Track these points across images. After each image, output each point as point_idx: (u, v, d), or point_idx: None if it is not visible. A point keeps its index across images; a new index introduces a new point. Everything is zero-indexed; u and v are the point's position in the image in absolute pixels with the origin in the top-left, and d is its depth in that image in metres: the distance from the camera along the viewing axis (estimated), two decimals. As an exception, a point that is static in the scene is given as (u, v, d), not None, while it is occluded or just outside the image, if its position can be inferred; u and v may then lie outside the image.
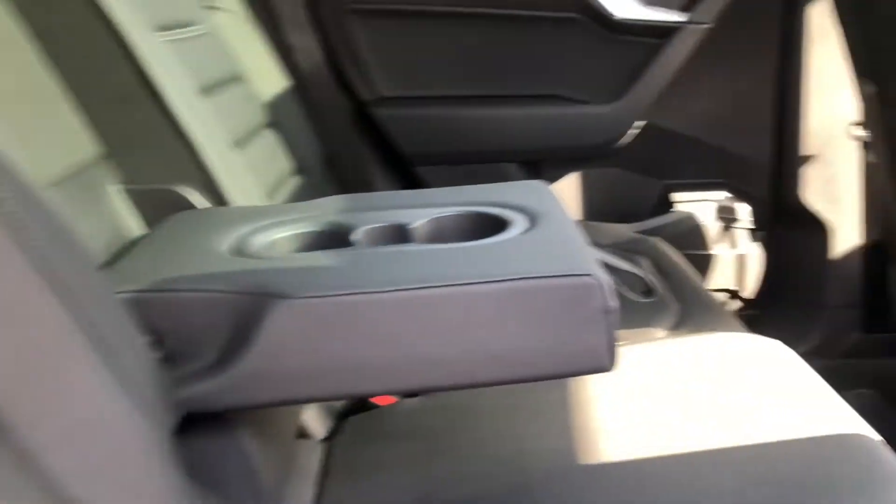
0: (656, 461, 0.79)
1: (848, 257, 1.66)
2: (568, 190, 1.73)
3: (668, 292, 1.26)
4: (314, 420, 0.94)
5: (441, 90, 1.62)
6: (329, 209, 0.83)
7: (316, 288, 0.62)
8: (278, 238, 0.76)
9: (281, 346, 0.61)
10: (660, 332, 1.12)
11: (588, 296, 0.62)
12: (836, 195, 1.65)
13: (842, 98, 1.59)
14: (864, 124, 1.55)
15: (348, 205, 0.84)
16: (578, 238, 0.71)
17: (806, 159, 1.65)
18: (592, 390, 0.92)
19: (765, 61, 1.67)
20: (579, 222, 1.69)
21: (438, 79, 1.62)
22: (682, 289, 1.28)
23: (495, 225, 0.75)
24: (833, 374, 1.68)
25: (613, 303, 0.63)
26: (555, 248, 0.69)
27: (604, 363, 0.64)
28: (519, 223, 0.74)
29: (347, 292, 0.61)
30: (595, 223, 1.67)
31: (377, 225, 0.76)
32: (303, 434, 0.92)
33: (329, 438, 0.93)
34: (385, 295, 0.61)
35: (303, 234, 0.77)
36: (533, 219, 0.75)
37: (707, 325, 1.13)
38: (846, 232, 1.65)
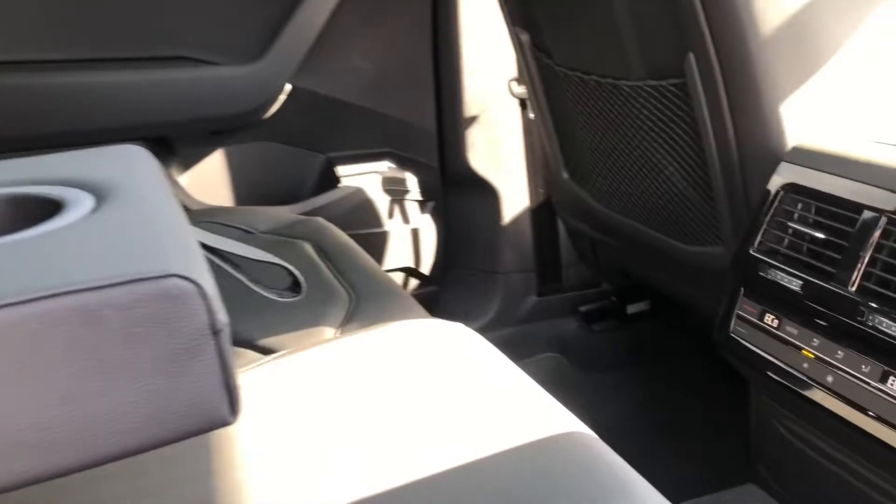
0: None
1: (518, 221, 1.60)
2: (214, 170, 1.46)
3: (336, 280, 1.06)
4: None
5: (18, 53, 1.24)
6: None
7: None
8: None
9: None
10: (328, 332, 0.91)
11: (180, 309, 0.38)
12: (501, 157, 1.57)
13: (500, 54, 1.50)
14: (521, 79, 1.49)
15: None
16: (172, 220, 0.46)
17: (470, 121, 1.55)
18: (238, 422, 0.68)
19: (420, 18, 1.54)
20: (231, 209, 1.43)
21: (13, 39, 1.24)
22: (352, 274, 1.08)
23: (40, 210, 0.48)
24: (515, 342, 1.64)
25: (222, 316, 0.39)
26: (128, 237, 0.43)
27: (221, 412, 0.40)
28: (78, 205, 0.47)
29: None
30: (248, 208, 1.42)
31: None
32: None
33: None
34: None
35: None
36: (101, 197, 0.48)
37: (383, 313, 0.95)
38: (515, 195, 1.58)
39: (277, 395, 0.77)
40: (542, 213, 1.60)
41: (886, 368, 0.75)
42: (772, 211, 0.90)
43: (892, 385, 0.75)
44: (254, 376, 0.80)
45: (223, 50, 1.35)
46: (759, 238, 0.91)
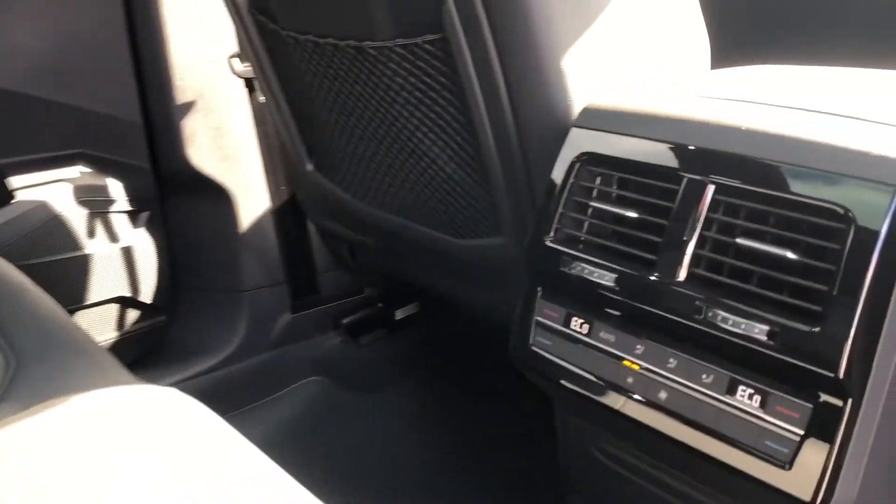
0: None
1: (259, 226, 1.34)
2: None
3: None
4: None
5: None
6: None
7: None
8: None
9: None
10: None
11: None
12: (229, 151, 1.30)
13: (214, 23, 1.22)
14: (243, 54, 1.22)
15: None
16: None
17: (184, 110, 1.26)
18: None
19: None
20: None
21: None
22: (16, 327, 0.76)
23: None
24: (269, 370, 1.37)
25: None
26: None
27: None
28: None
29: None
30: None
31: None
32: None
33: None
34: None
35: None
36: None
37: (54, 383, 0.65)
38: (251, 195, 1.32)
39: None
40: (287, 214, 1.36)
41: (734, 376, 0.59)
42: (567, 189, 0.72)
43: (742, 396, 0.59)
44: None
45: None
46: (554, 224, 0.73)
